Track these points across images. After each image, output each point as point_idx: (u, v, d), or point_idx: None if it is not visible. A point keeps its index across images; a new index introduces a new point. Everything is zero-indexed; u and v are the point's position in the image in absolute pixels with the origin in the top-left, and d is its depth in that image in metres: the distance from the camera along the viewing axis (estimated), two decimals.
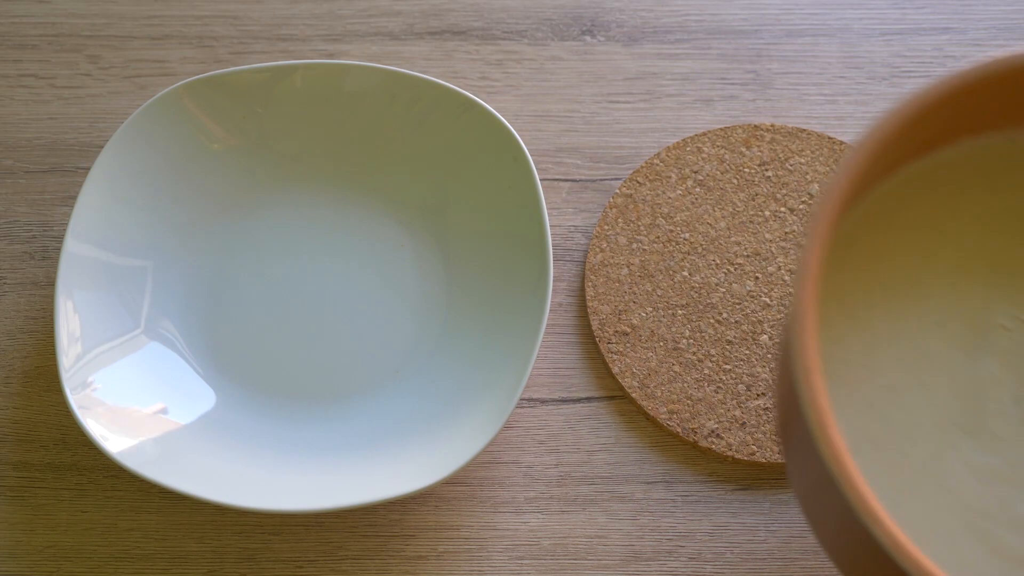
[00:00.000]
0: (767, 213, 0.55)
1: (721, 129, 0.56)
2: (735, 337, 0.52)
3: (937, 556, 0.37)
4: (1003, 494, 0.39)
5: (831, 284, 0.41)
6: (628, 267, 0.54)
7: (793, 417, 0.37)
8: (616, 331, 0.52)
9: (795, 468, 0.40)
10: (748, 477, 0.50)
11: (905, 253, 0.42)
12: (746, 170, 0.56)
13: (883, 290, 0.42)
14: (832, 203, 0.37)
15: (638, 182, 0.55)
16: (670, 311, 0.53)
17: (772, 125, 0.56)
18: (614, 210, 0.55)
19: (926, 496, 0.39)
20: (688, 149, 0.56)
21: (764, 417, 0.51)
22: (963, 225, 0.43)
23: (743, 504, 0.50)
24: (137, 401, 0.49)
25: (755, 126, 0.56)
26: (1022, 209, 0.42)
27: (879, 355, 0.40)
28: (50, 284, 0.54)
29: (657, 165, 0.56)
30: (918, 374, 0.40)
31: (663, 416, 0.51)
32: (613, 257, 0.54)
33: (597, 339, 0.52)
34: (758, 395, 0.51)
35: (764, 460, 0.50)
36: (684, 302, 0.53)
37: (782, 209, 0.55)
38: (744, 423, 0.51)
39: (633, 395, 0.51)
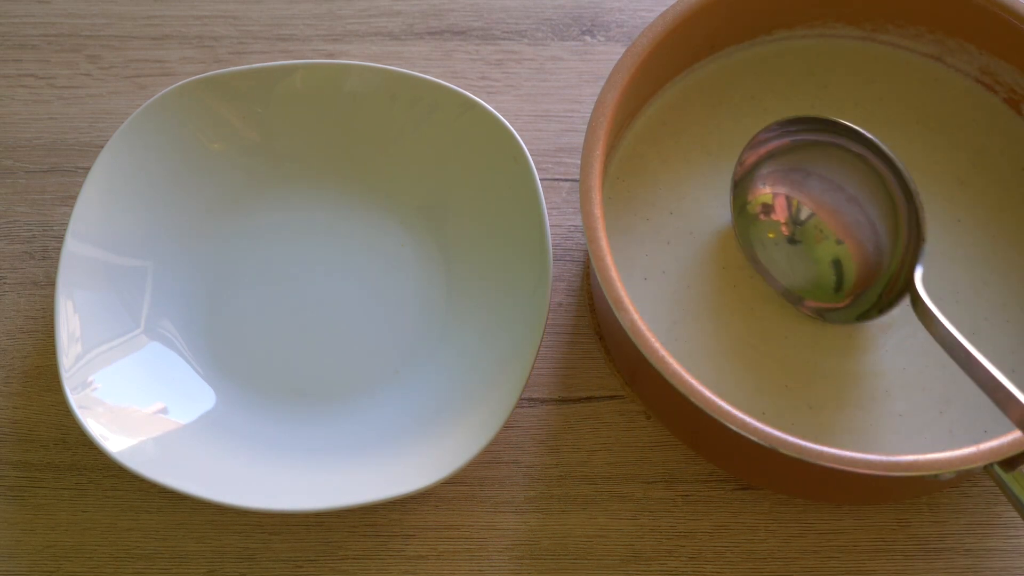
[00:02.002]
0: None
1: None
2: None
3: (700, 371, 0.47)
4: (767, 329, 0.49)
5: (657, 145, 0.51)
6: None
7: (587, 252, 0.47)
8: None
9: (595, 295, 0.51)
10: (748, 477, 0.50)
11: (732, 126, 0.52)
12: None
13: (705, 153, 0.51)
14: (632, 55, 0.47)
15: None
16: None
17: None
18: None
19: (702, 322, 0.48)
20: None
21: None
22: (786, 107, 0.52)
23: (743, 504, 0.50)
24: (137, 401, 0.49)
25: None
26: (844, 101, 0.52)
27: (685, 202, 0.50)
28: (50, 284, 0.54)
29: None
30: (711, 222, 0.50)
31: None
32: None
33: (598, 338, 0.52)
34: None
35: None
36: None
37: None
38: None
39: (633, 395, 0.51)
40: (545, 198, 0.54)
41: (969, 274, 0.49)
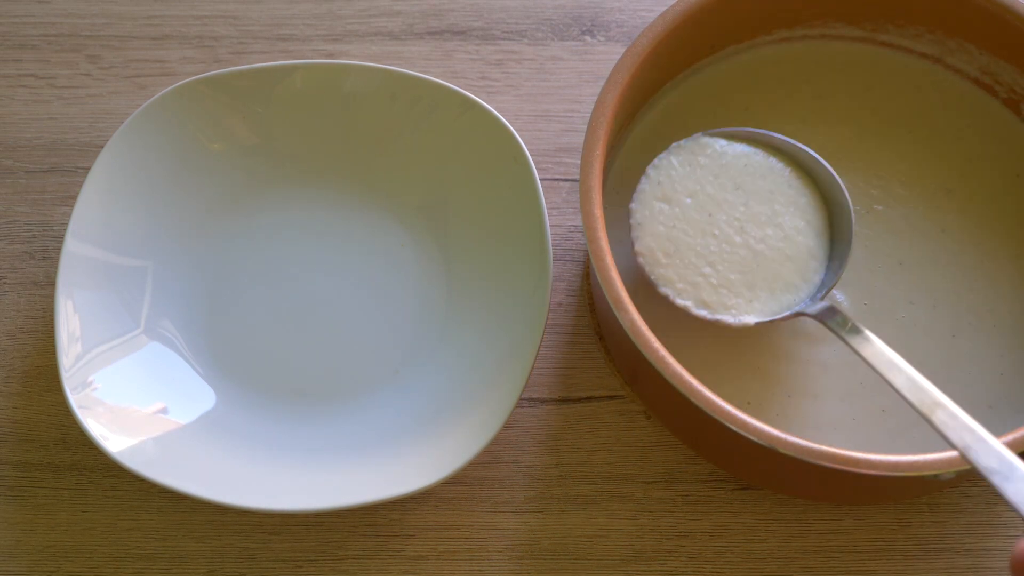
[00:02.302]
0: None
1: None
2: None
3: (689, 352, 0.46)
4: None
5: (657, 144, 0.50)
6: None
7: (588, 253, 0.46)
8: None
9: (595, 295, 0.51)
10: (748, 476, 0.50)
11: (733, 123, 0.51)
12: None
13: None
14: (632, 55, 0.47)
15: None
16: None
17: None
18: None
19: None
20: None
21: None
22: (785, 106, 0.52)
23: (743, 504, 0.50)
24: (137, 401, 0.49)
25: None
26: (840, 112, 0.53)
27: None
28: (50, 284, 0.54)
29: None
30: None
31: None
32: None
33: (598, 338, 0.52)
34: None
35: None
36: None
37: None
38: None
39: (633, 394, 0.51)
40: (545, 198, 0.53)
41: (951, 282, 0.49)
